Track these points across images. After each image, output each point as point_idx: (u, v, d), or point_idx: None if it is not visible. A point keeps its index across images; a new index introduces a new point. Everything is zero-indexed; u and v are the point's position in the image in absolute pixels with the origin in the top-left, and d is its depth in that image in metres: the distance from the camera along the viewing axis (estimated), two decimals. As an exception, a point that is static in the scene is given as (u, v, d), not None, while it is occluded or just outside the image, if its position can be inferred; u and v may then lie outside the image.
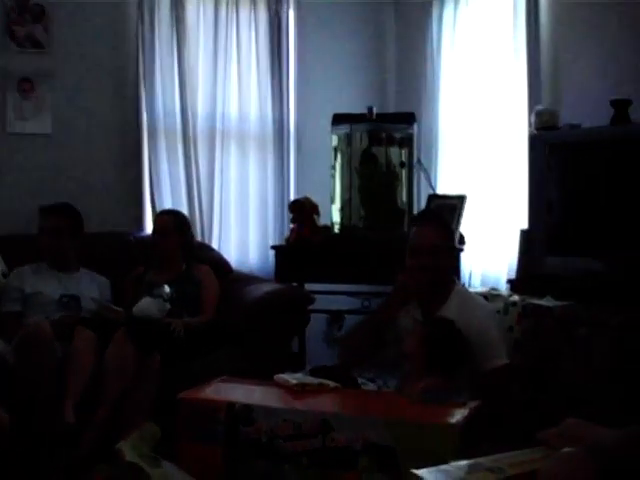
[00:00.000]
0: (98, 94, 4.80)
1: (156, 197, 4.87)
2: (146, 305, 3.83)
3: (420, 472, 1.97)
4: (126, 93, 4.87)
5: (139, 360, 3.57)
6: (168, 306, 3.89)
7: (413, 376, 2.96)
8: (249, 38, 5.10)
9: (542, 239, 3.97)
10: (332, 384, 2.78)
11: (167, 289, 3.96)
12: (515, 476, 1.98)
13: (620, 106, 3.72)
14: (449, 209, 4.63)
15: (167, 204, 4.83)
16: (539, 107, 4.13)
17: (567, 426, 2.12)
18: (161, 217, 4.46)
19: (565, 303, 3.49)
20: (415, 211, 4.85)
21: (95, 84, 4.79)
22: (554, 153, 3.93)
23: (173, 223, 4.36)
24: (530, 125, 4.18)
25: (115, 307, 3.92)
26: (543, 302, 3.54)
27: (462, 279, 4.49)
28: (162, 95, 4.88)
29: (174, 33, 4.87)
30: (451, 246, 3.22)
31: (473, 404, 2.58)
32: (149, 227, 4.82)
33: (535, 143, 4.03)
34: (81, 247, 4.17)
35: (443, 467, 2.01)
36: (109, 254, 4.40)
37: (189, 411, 2.60)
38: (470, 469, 2.00)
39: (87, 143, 4.78)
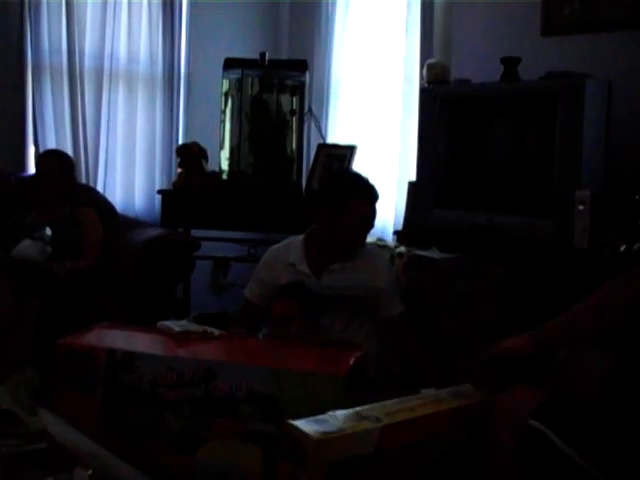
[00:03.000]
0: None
1: (39, 137, 4.70)
2: (26, 247, 3.71)
3: (296, 422, 1.96)
4: (10, 28, 4.63)
5: (18, 304, 3.45)
6: (49, 249, 3.78)
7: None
8: (140, -24, 4.94)
9: (429, 192, 3.99)
10: (217, 332, 2.74)
11: (48, 231, 3.84)
12: (390, 425, 2.00)
13: (509, 63, 3.74)
14: (339, 159, 4.62)
15: (51, 144, 4.66)
16: (431, 61, 4.13)
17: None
18: (46, 160, 4.28)
19: (450, 255, 3.54)
20: (305, 160, 4.84)
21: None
22: (444, 107, 3.94)
23: (59, 167, 4.21)
24: (422, 78, 4.18)
25: (-7, 249, 3.78)
26: (428, 254, 3.59)
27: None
28: (48, 31, 4.68)
29: (61, -34, 4.67)
30: None
31: (358, 354, 2.57)
32: (31, 167, 4.66)
33: (426, 96, 4.03)
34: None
35: (320, 417, 2.01)
36: (-11, 194, 4.24)
37: (67, 357, 2.52)
38: (346, 418, 2.01)
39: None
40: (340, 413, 2.04)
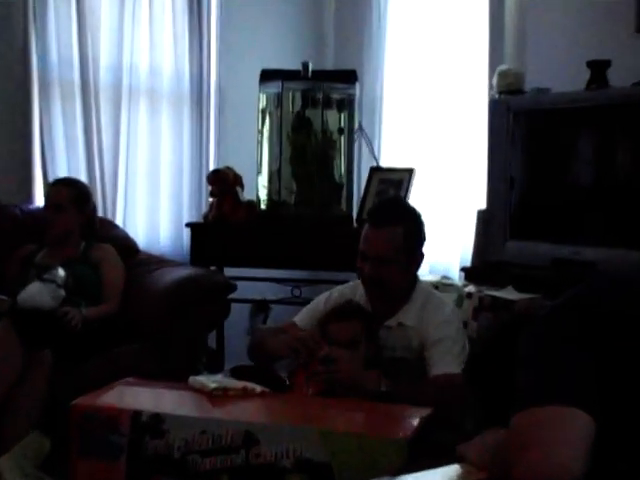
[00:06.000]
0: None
1: (48, 163, 4.70)
2: (36, 292, 3.70)
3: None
4: (12, 37, 4.65)
5: (26, 358, 3.45)
6: (62, 293, 3.77)
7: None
8: (163, -24, 4.99)
9: (503, 221, 3.98)
10: (258, 388, 2.73)
11: (61, 273, 3.83)
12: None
13: (597, 68, 3.71)
14: (394, 184, 4.61)
15: (62, 172, 4.67)
16: (502, 67, 4.11)
17: (487, 438, 2.10)
18: (56, 188, 4.29)
19: (529, 296, 3.49)
20: (355, 186, 4.82)
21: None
22: (519, 121, 3.93)
23: (71, 196, 4.21)
24: (491, 88, 4.16)
25: (-3, 294, 3.80)
26: (503, 294, 3.54)
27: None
28: (57, 42, 4.69)
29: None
30: (412, 256, 3.12)
31: (424, 413, 2.54)
32: (40, 198, 4.68)
33: (496, 109, 4.02)
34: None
35: (376, 483, 2.00)
36: (-9, 230, 4.28)
37: (85, 420, 2.51)
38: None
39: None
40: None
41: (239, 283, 4.38)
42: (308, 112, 4.80)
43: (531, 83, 4.03)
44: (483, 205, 4.18)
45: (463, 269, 4.28)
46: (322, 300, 3.31)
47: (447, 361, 3.02)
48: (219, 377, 2.89)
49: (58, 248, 4.14)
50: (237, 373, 3.56)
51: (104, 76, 4.84)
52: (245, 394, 2.69)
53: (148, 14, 4.95)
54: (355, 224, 4.64)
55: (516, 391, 1.69)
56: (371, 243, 3.05)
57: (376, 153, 4.96)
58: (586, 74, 3.73)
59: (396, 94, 5.04)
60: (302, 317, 3.31)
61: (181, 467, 2.44)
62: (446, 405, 2.78)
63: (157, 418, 2.46)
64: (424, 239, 3.16)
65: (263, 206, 4.83)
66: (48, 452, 2.65)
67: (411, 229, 3.09)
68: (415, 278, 3.20)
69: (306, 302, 3.39)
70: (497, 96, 4.08)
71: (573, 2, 4.13)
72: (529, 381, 1.69)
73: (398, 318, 3.11)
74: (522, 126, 3.94)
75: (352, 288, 3.27)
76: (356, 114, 4.81)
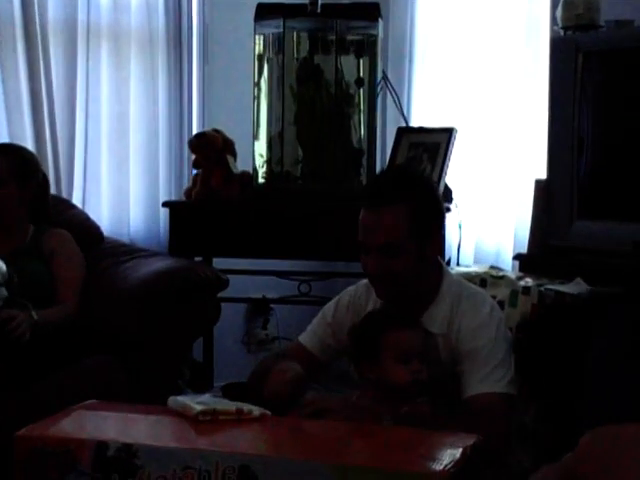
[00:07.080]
0: None
1: (-18, 125, 4.75)
2: (-30, 292, 3.74)
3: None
4: None
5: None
6: (4, 293, 3.79)
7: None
8: None
9: (569, 194, 3.98)
10: (257, 411, 2.72)
11: (3, 267, 3.85)
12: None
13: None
14: (430, 149, 4.62)
15: (2, 137, 4.70)
16: (570, -5, 4.10)
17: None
18: None
19: (603, 290, 3.48)
20: (379, 152, 4.83)
21: None
22: (591, 65, 3.91)
23: (12, 167, 4.20)
24: (554, 23, 4.15)
25: None
26: (570, 289, 3.54)
27: (448, 254, 4.45)
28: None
29: None
30: (426, 242, 3.07)
31: (467, 442, 2.53)
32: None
33: (561, 50, 4.01)
34: None
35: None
36: None
37: (34, 455, 2.51)
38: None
39: None
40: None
41: (232, 277, 4.38)
42: (317, 58, 4.82)
43: (608, 14, 4.01)
44: (543, 174, 4.19)
45: (517, 257, 4.30)
46: (331, 308, 3.31)
47: (483, 377, 3.02)
48: (206, 397, 2.88)
49: (-1, 235, 4.16)
50: (230, 392, 3.57)
51: (54, 13, 4.85)
52: (240, 419, 2.68)
53: None
54: (379, 201, 4.65)
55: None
56: (370, 230, 3.03)
57: (405, 110, 4.99)
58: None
59: (431, 35, 5.06)
60: (309, 336, 3.31)
61: (159, 513, 2.44)
62: (484, 436, 2.73)
63: (128, 451, 2.45)
64: (441, 217, 3.16)
65: (261, 179, 4.86)
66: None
67: (420, 206, 3.04)
68: (440, 270, 3.19)
69: (317, 302, 3.37)
70: (562, 33, 4.07)
71: None
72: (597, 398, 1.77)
73: (421, 324, 3.10)
74: (595, 72, 3.93)
75: (367, 287, 3.25)
76: (379, 61, 4.83)
